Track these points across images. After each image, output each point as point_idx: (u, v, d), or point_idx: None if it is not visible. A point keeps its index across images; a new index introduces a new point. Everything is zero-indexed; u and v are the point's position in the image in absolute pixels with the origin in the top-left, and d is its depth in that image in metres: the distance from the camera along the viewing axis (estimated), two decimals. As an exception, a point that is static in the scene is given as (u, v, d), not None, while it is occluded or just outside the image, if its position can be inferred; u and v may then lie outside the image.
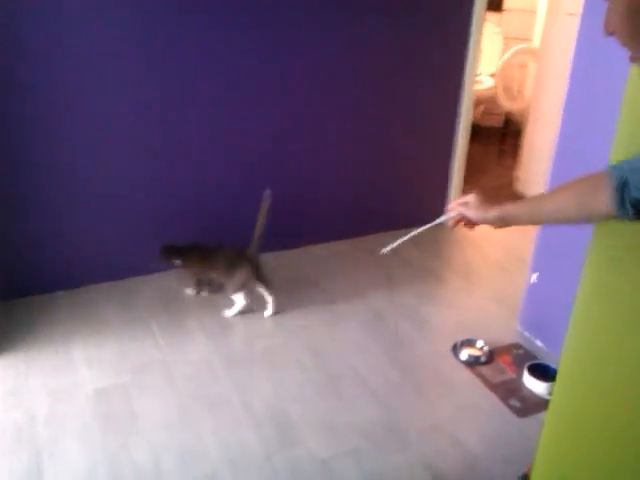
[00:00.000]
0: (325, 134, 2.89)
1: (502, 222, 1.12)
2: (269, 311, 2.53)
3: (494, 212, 1.12)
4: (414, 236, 1.29)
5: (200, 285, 2.66)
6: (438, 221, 1.27)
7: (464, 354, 2.31)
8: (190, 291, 2.66)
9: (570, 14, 3.19)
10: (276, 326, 2.47)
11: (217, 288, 2.65)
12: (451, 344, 2.37)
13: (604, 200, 0.92)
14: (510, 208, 1.10)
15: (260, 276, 2.50)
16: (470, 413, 2.05)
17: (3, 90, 2.23)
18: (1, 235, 2.43)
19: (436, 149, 3.24)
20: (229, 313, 2.53)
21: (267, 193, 2.41)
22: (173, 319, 2.48)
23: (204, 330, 2.42)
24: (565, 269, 2.08)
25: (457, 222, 1.22)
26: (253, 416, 1.99)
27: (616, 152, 1.09)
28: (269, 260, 2.91)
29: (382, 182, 3.14)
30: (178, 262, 2.55)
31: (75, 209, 2.53)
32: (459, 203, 1.19)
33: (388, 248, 1.31)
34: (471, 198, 1.16)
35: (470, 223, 1.19)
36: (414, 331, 2.47)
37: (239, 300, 2.51)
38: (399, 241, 1.30)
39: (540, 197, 1.13)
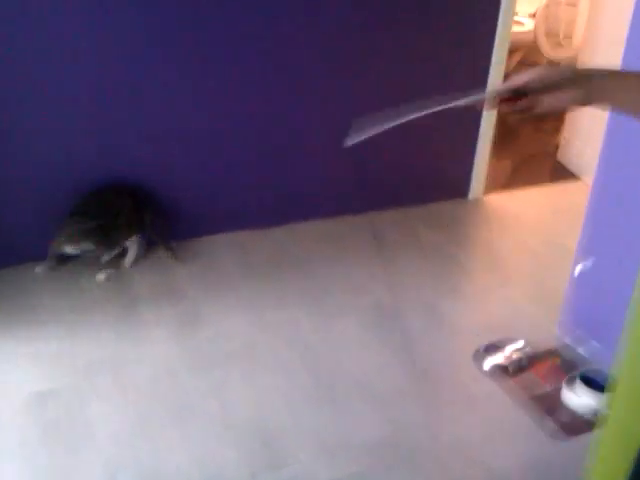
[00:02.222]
0: (336, 96, 2.63)
1: (585, 101, 0.92)
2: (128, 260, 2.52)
3: (578, 88, 0.91)
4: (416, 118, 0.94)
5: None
6: (473, 98, 0.96)
7: (489, 362, 2.14)
8: (102, 275, 2.39)
9: None
10: (255, 319, 2.24)
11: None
12: (473, 349, 2.17)
13: None
14: (606, 82, 0.90)
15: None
16: (495, 433, 1.86)
17: None
18: None
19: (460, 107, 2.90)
20: (128, 262, 2.51)
21: None
22: (128, 309, 2.24)
23: (165, 323, 2.19)
24: (620, 259, 1.97)
25: (505, 101, 0.95)
26: (230, 428, 1.81)
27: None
28: (247, 240, 2.62)
29: (390, 145, 2.71)
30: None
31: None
32: (518, 78, 0.94)
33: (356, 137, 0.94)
34: (540, 70, 0.93)
35: (528, 105, 0.93)
36: (427, 332, 2.25)
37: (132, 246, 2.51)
38: (393, 122, 0.96)
39: None
